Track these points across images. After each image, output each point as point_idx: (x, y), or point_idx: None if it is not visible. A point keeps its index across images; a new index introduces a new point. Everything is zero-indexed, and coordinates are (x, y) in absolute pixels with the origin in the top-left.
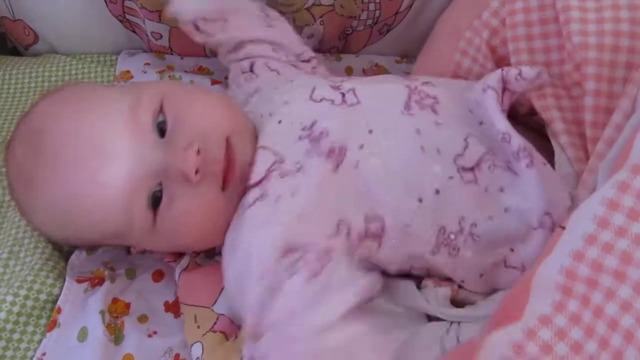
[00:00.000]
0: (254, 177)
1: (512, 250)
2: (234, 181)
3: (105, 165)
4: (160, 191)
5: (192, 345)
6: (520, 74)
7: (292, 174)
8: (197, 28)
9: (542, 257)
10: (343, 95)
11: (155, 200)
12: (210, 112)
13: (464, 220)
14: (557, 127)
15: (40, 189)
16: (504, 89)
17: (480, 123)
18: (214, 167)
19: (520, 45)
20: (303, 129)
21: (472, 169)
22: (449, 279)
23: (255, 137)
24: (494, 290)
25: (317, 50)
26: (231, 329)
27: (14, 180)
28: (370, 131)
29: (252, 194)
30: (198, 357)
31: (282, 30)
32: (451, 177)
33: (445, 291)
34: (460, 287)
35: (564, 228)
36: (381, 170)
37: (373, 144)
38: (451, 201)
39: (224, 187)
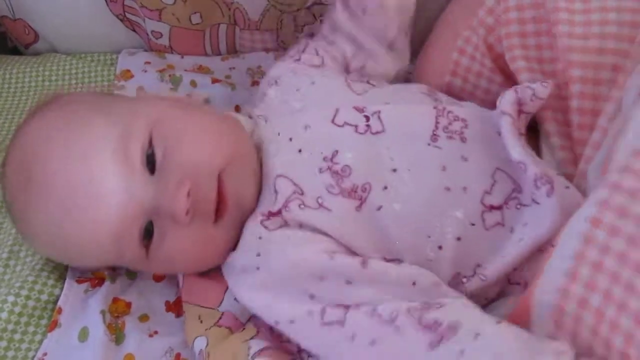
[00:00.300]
0: (274, 208)
1: (514, 269)
2: (227, 213)
3: (94, 204)
4: (152, 226)
5: (194, 339)
6: (534, 94)
7: (313, 208)
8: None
9: (538, 275)
10: (367, 119)
11: (147, 235)
12: (202, 145)
13: (479, 267)
14: (550, 127)
15: (32, 223)
16: (520, 111)
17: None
18: (206, 206)
19: (513, 42)
20: (324, 159)
21: (499, 207)
22: None
23: (257, 160)
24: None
25: None
26: (236, 325)
27: (9, 204)
28: (395, 170)
29: (272, 223)
30: (202, 349)
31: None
32: (473, 224)
33: None
34: None
35: (554, 246)
36: (402, 216)
37: (397, 186)
38: (472, 248)
39: (216, 219)
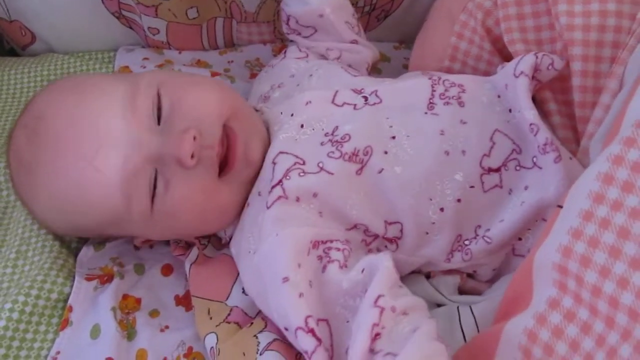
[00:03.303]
0: (274, 179)
1: (519, 239)
2: (236, 166)
3: (102, 150)
4: (156, 177)
5: (205, 335)
6: (552, 64)
7: (313, 172)
8: (287, 21)
9: (542, 238)
10: (365, 98)
11: (153, 186)
12: (207, 98)
13: (479, 228)
14: (550, 107)
15: (40, 173)
16: (532, 77)
17: (510, 110)
18: (209, 152)
19: (512, 25)
20: (325, 135)
21: (498, 170)
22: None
23: (261, 122)
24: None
25: None
26: (245, 320)
27: (14, 167)
28: (393, 137)
29: (272, 195)
30: (212, 347)
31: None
32: (472, 187)
33: (454, 279)
34: (469, 276)
35: (561, 207)
36: (404, 179)
37: (396, 152)
38: (472, 209)
39: (224, 172)
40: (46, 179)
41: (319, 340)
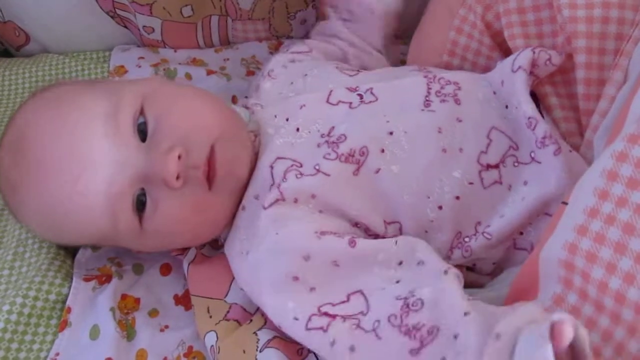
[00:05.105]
0: (275, 183)
1: (521, 233)
2: (217, 180)
3: (86, 172)
4: (144, 195)
5: (205, 334)
6: (550, 59)
7: (310, 175)
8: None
9: (547, 235)
10: (361, 96)
11: (140, 204)
12: (193, 114)
13: (479, 225)
14: (551, 101)
15: (25, 197)
16: (530, 72)
17: (506, 107)
18: (196, 172)
19: (512, 19)
20: (321, 136)
21: (496, 166)
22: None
23: (247, 133)
24: (501, 270)
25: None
26: (244, 317)
27: (2, 184)
28: (391, 133)
29: (269, 197)
30: (212, 345)
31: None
32: (471, 183)
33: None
34: (469, 269)
35: (566, 204)
36: (401, 178)
37: (393, 149)
38: (471, 206)
39: (209, 187)
40: (32, 202)
41: (332, 317)
